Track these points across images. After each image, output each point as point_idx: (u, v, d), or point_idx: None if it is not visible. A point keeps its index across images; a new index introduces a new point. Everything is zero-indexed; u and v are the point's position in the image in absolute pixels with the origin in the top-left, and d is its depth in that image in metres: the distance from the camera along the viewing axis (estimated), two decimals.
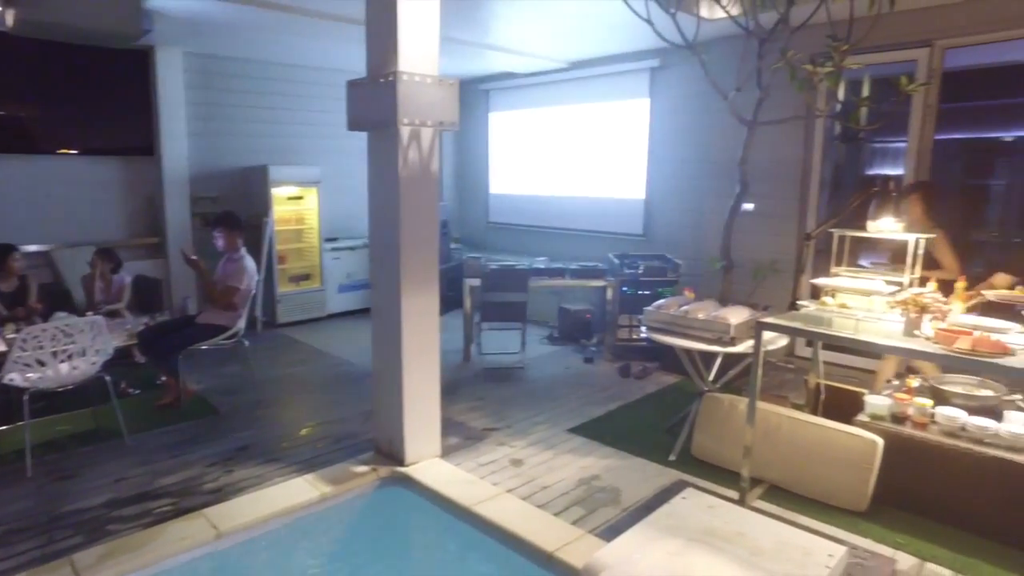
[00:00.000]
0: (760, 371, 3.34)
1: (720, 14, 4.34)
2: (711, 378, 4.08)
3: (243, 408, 4.63)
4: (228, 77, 6.85)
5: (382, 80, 3.22)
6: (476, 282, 5.69)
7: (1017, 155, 7.01)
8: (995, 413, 3.24)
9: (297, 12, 5.03)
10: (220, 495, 3.36)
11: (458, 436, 4.11)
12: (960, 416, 3.17)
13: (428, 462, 3.65)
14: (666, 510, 3.04)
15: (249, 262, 4.69)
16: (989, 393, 3.37)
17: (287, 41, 6.21)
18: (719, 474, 3.63)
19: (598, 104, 7.20)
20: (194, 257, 4.55)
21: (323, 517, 3.22)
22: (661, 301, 4.15)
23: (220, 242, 4.69)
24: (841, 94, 3.87)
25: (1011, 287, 3.33)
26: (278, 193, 6.85)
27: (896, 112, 4.89)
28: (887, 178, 3.59)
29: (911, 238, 3.21)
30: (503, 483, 3.50)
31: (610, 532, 2.99)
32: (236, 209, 5.27)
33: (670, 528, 2.86)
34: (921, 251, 3.25)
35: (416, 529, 3.42)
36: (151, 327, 4.73)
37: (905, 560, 2.86)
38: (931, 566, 2.82)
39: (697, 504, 3.11)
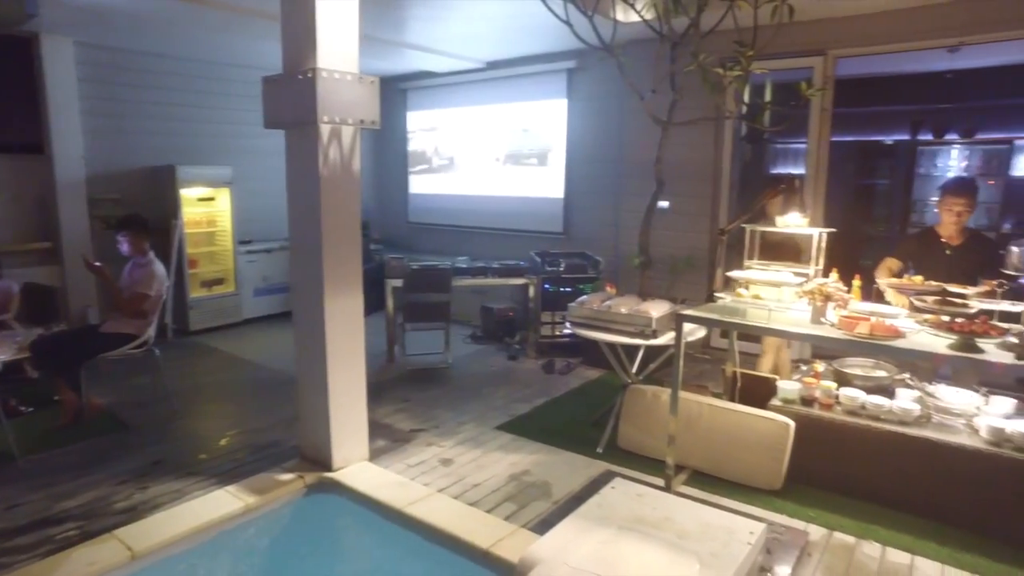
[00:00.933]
0: (681, 362, 3.49)
1: (634, 17, 4.49)
2: (634, 370, 4.20)
3: (156, 421, 4.37)
4: (130, 71, 6.43)
5: (300, 77, 3.12)
6: (398, 283, 5.63)
7: (897, 157, 7.64)
8: (888, 391, 3.52)
9: (206, 4, 4.80)
10: (134, 514, 3.16)
11: (385, 439, 4.05)
12: (859, 396, 3.43)
13: (356, 466, 3.58)
14: (596, 500, 3.11)
15: (158, 267, 4.44)
16: (883, 374, 3.66)
17: (194, 35, 5.92)
18: (645, 463, 3.75)
19: (516, 104, 7.28)
20: (97, 263, 4.25)
21: (249, 529, 3.10)
22: (584, 297, 4.24)
23: (125, 247, 4.40)
24: (747, 97, 4.07)
25: (900, 272, 3.62)
26: (187, 194, 6.51)
27: (797, 115, 5.21)
28: (792, 176, 3.80)
29: (815, 232, 3.44)
30: (434, 483, 3.48)
31: (543, 526, 3.03)
32: (142, 211, 4.96)
33: (601, 518, 2.94)
34: (824, 244, 3.49)
35: (348, 535, 3.35)
36: (45, 338, 4.38)
37: (816, 531, 3.06)
38: (838, 535, 3.03)
39: (625, 493, 3.20)
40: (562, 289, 6.06)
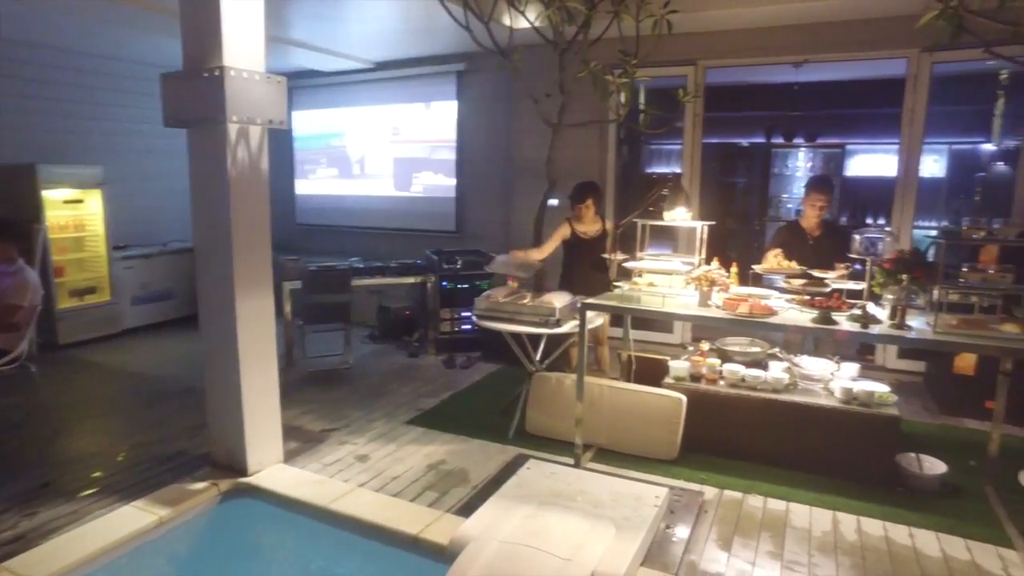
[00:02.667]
0: (586, 348, 3.76)
1: (525, 24, 4.73)
2: (538, 359, 4.43)
3: (36, 442, 4.04)
4: None
5: (206, 75, 3.05)
6: (295, 285, 5.53)
7: (753, 158, 8.50)
8: (762, 364, 4.00)
9: None
10: (24, 543, 2.91)
11: (297, 440, 4.02)
12: (740, 370, 3.87)
13: (272, 468, 3.54)
14: (514, 481, 3.32)
15: (30, 274, 4.11)
16: (757, 349, 4.15)
17: (60, 22, 5.44)
18: (554, 445, 4.00)
19: (406, 105, 7.33)
20: None
21: (165, 543, 2.99)
22: (488, 291, 4.42)
23: None
24: (640, 101, 4.44)
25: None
26: (52, 196, 5.95)
27: (673, 118, 5.70)
28: (678, 175, 4.19)
29: (699, 225, 3.84)
30: (353, 479, 3.52)
31: (466, 509, 3.17)
32: None
33: (521, 496, 3.14)
34: (706, 236, 3.91)
35: (273, 537, 3.31)
36: None
37: (709, 491, 3.44)
38: (728, 492, 3.43)
39: (540, 472, 3.44)
40: (459, 286, 6.21)
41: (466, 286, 6.21)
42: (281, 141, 8.21)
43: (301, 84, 7.84)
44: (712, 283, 3.47)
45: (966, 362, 4.44)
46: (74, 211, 6.24)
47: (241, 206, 3.25)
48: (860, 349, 5.47)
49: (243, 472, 3.44)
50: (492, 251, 6.47)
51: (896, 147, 5.41)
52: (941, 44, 3.91)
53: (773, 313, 3.23)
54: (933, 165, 7.19)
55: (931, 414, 4.58)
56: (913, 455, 3.55)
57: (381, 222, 7.71)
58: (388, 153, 7.63)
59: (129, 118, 6.97)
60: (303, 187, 8.27)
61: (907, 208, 5.30)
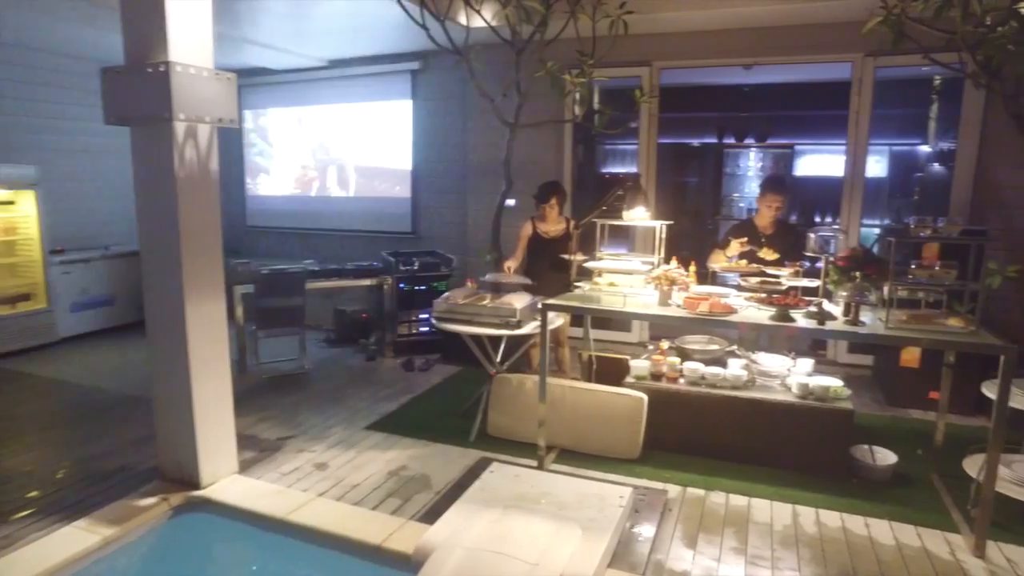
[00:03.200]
0: (548, 349, 3.75)
1: (481, 23, 4.69)
2: (499, 360, 4.40)
3: None
4: None
5: (150, 70, 2.91)
6: (247, 288, 5.36)
7: (705, 158, 8.67)
8: (721, 362, 4.06)
9: None
10: None
11: (252, 449, 3.88)
12: (699, 368, 3.92)
13: (227, 480, 3.40)
14: (478, 485, 3.28)
15: None
16: (716, 347, 4.21)
17: None
18: (516, 447, 3.97)
19: (360, 104, 7.20)
20: None
21: (110, 564, 2.83)
22: (447, 293, 4.36)
23: None
24: (587, 100, 4.46)
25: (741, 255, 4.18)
26: None
27: (629, 118, 5.73)
28: (637, 175, 4.21)
29: (657, 224, 3.87)
30: (312, 488, 3.42)
31: (430, 515, 3.11)
32: None
33: (485, 500, 3.10)
34: (664, 235, 3.94)
35: (229, 552, 3.18)
36: None
37: (673, 489, 3.46)
38: (691, 490, 3.46)
39: (504, 475, 3.40)
40: (417, 288, 6.13)
41: (423, 288, 6.14)
42: (231, 141, 7.95)
43: (251, 82, 7.60)
44: (672, 282, 3.50)
45: (912, 355, 4.61)
46: (5, 213, 5.89)
47: (190, 208, 3.11)
48: (812, 344, 5.63)
49: (195, 485, 3.29)
50: (449, 252, 6.42)
51: (842, 148, 5.58)
52: (884, 49, 4.04)
53: (733, 311, 3.27)
54: (876, 166, 7.45)
55: (880, 406, 4.74)
56: (866, 447, 3.66)
57: (335, 224, 7.55)
58: (342, 153, 7.48)
59: (63, 115, 6.61)
60: (254, 188, 8.03)
61: (855, 207, 5.47)
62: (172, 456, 3.37)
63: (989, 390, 3.16)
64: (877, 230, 6.84)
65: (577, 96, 4.56)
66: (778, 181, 4.73)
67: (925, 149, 7.26)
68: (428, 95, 6.88)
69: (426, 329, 6.15)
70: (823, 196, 7.73)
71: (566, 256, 4.48)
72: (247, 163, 8.02)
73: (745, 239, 4.14)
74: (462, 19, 5.19)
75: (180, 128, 3.01)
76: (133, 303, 6.72)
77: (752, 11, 5.12)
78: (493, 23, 4.75)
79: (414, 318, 6.14)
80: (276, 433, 4.17)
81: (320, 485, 3.46)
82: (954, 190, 5.25)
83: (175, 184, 3.02)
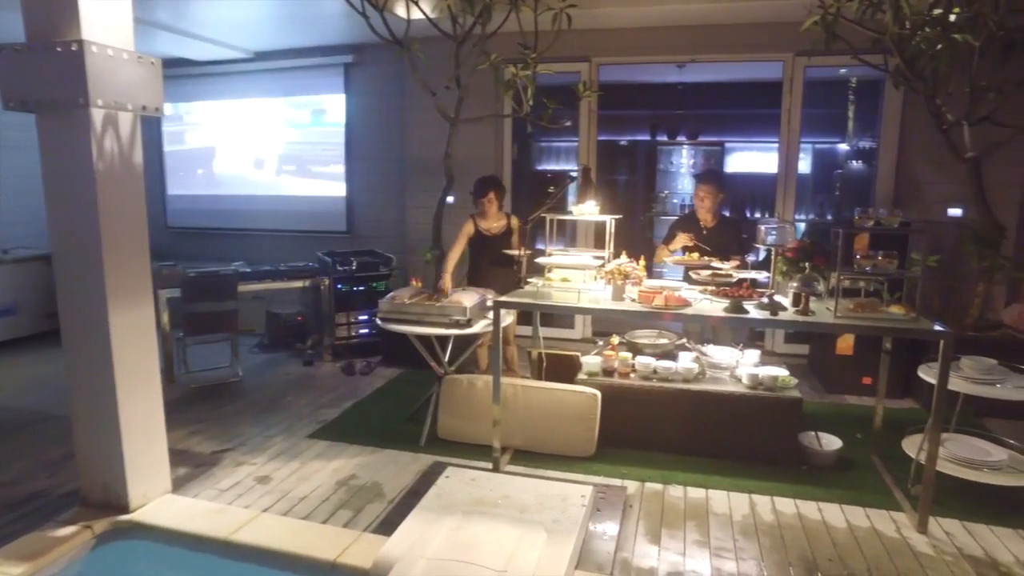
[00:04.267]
0: (500, 348, 3.65)
1: (420, 15, 4.54)
2: (447, 360, 4.27)
3: None
4: None
5: (59, 49, 2.62)
6: (173, 293, 5.01)
7: (639, 155, 8.79)
8: (672, 356, 4.08)
9: None
10: None
11: (186, 465, 3.60)
12: (651, 362, 3.92)
13: (159, 501, 3.13)
14: (434, 492, 3.15)
15: None
16: (666, 341, 4.23)
17: None
18: (469, 450, 3.85)
19: (290, 99, 6.89)
20: None
21: None
22: (393, 293, 4.20)
23: None
24: (533, 94, 4.39)
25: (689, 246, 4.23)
26: None
27: (571, 113, 5.72)
28: (587, 167, 4.17)
29: (608, 219, 3.84)
30: (255, 504, 3.20)
31: (386, 526, 2.97)
32: None
33: (443, 507, 2.98)
34: (614, 230, 3.92)
35: None
36: None
37: (631, 485, 3.44)
38: (649, 485, 3.45)
39: (460, 480, 3.28)
40: (355, 288, 5.92)
41: (362, 288, 5.94)
42: (148, 136, 7.44)
43: (171, 74, 7.08)
44: (626, 276, 3.48)
45: (846, 343, 4.79)
46: None
47: (112, 205, 2.83)
48: (750, 335, 5.77)
49: (123, 508, 3.00)
50: (388, 251, 6.22)
51: (769, 145, 5.77)
52: (814, 50, 4.17)
53: (688, 304, 3.28)
54: (800, 163, 7.75)
55: (818, 393, 4.90)
56: (813, 434, 3.75)
57: (263, 223, 7.20)
58: (271, 150, 7.13)
59: None
60: (175, 186, 7.55)
61: (788, 201, 5.65)
62: (95, 478, 3.06)
63: (926, 374, 3.29)
64: (803, 224, 7.13)
65: (524, 89, 4.48)
66: (708, 173, 4.84)
67: (844, 147, 7.60)
68: (362, 89, 6.65)
69: (366, 331, 5.94)
70: (753, 192, 7.99)
71: (510, 252, 4.41)
72: (166, 160, 7.53)
73: (691, 234, 4.18)
74: (400, 11, 5.03)
75: (98, 116, 2.73)
76: (39, 312, 6.18)
77: (687, 8, 5.20)
78: (432, 15, 4.61)
79: (353, 320, 5.92)
80: (211, 446, 3.90)
81: (264, 500, 3.24)
82: (878, 185, 5.50)
83: (94, 179, 2.74)
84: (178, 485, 3.32)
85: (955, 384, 3.20)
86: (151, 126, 7.32)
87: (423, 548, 2.62)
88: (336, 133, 6.78)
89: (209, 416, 4.40)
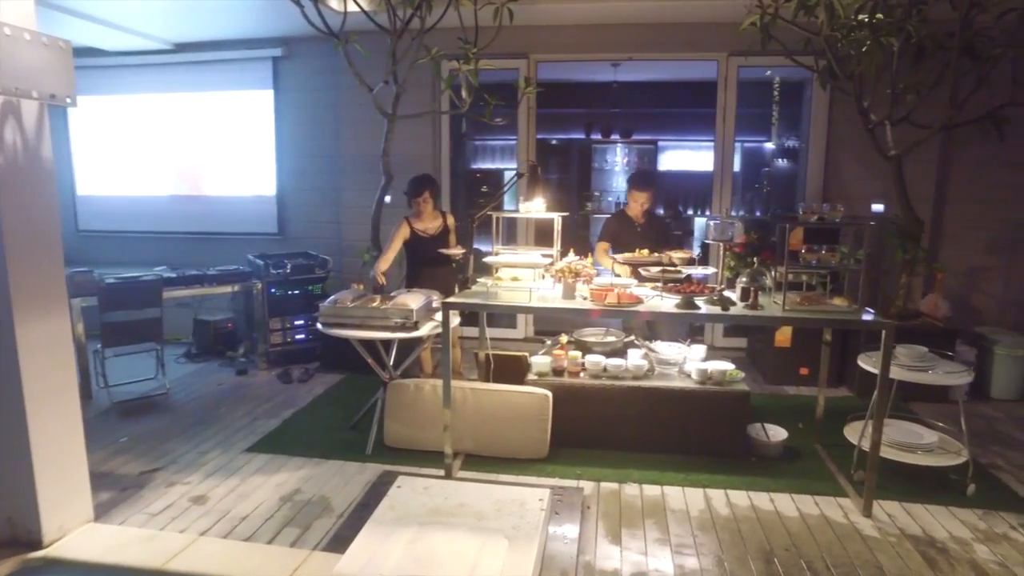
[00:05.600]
0: (450, 350, 3.54)
1: (354, 8, 4.36)
2: (391, 365, 4.11)
3: None
4: None
5: None
6: (87, 301, 4.63)
7: (573, 153, 8.83)
8: (621, 353, 4.07)
9: None
10: None
11: (109, 490, 3.30)
12: (601, 360, 3.89)
13: (79, 532, 2.84)
14: (386, 503, 3.01)
15: None
16: (614, 339, 4.22)
17: None
18: (419, 457, 3.72)
19: (214, 94, 6.51)
20: None
21: None
22: (334, 296, 4.01)
23: None
24: (475, 89, 4.31)
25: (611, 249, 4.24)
26: None
27: (512, 111, 5.64)
28: (534, 164, 4.11)
29: (556, 216, 3.79)
30: (192, 527, 2.96)
31: (337, 543, 2.81)
32: None
33: (398, 519, 2.85)
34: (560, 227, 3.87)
35: None
36: None
37: (587, 486, 3.39)
38: (604, 484, 3.41)
39: (413, 489, 3.16)
40: (290, 292, 5.66)
41: (297, 292, 5.68)
42: (56, 132, 6.87)
43: (78, 64, 6.58)
44: (576, 275, 3.43)
45: (784, 336, 4.92)
46: None
47: (16, 204, 2.55)
48: (689, 330, 5.86)
49: (35, 544, 2.70)
50: (323, 253, 5.98)
51: (701, 143, 5.88)
52: (751, 49, 4.27)
53: (640, 301, 3.26)
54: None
55: (759, 385, 5.02)
56: (759, 425, 3.82)
57: (187, 225, 6.78)
58: (194, 148, 6.72)
59: None
60: (86, 187, 7.01)
61: (725, 198, 5.77)
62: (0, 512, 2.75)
63: (865, 363, 3.40)
64: (736, 223, 7.31)
65: (464, 84, 4.38)
66: (642, 177, 4.91)
67: (770, 146, 7.86)
68: (292, 85, 6.36)
69: (302, 336, 5.68)
70: (686, 190, 8.16)
71: (447, 251, 4.31)
72: (75, 157, 6.98)
73: (609, 245, 4.25)
74: (334, 3, 4.83)
75: None
76: None
77: (625, 7, 5.22)
78: (368, 8, 4.44)
79: (288, 325, 5.65)
80: (138, 467, 3.60)
81: (201, 522, 3.01)
82: (808, 183, 5.70)
83: None
84: (101, 513, 3.04)
85: (892, 372, 3.32)
86: (57, 122, 6.77)
87: (380, 565, 2.48)
88: (266, 130, 6.46)
89: (134, 434, 4.07)
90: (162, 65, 6.47)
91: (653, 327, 4.64)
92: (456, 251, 4.33)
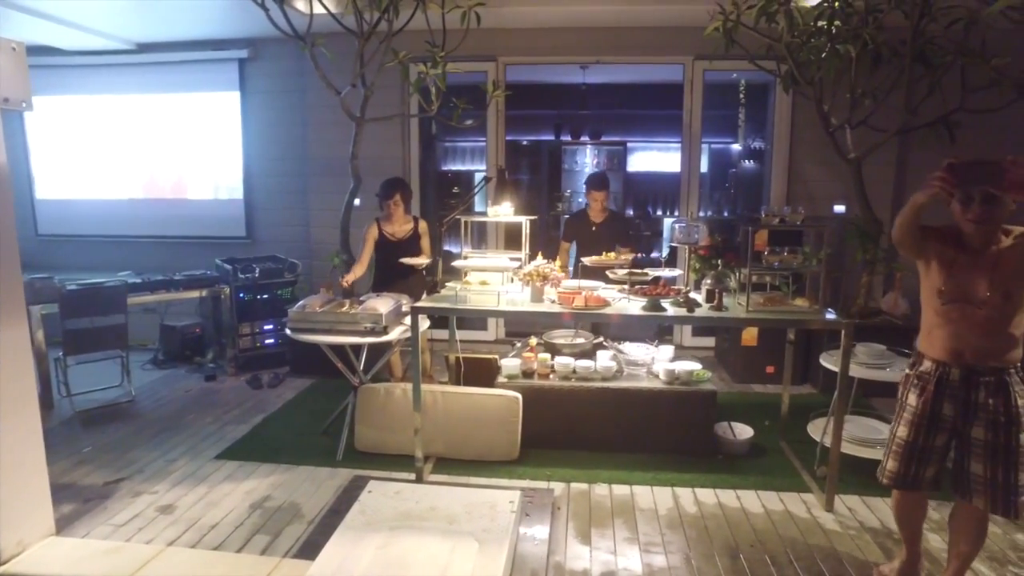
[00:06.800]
0: (420, 355, 3.55)
1: (320, 10, 4.35)
2: (362, 369, 4.10)
3: None
4: None
5: None
6: (48, 308, 4.53)
7: (537, 155, 8.88)
8: (590, 355, 4.11)
9: None
10: None
11: (73, 501, 3.24)
12: (570, 362, 3.93)
13: (39, 547, 2.78)
14: (357, 508, 3.02)
15: None
16: (583, 340, 4.26)
17: None
18: (389, 461, 3.72)
19: (177, 95, 6.41)
20: None
21: None
22: (303, 301, 3.99)
23: None
24: (442, 92, 4.33)
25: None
26: None
27: (480, 114, 5.67)
28: (502, 168, 4.13)
29: (524, 220, 3.82)
30: (159, 537, 2.93)
31: (308, 549, 2.80)
32: None
33: (368, 524, 2.86)
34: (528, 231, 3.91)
35: None
36: None
37: (557, 487, 3.43)
38: (575, 485, 3.45)
39: (384, 493, 3.17)
40: (259, 297, 5.60)
41: (266, 297, 5.63)
42: (12, 134, 6.69)
43: (34, 63, 6.42)
44: (545, 278, 3.47)
45: (750, 335, 5.02)
46: None
47: None
48: (658, 331, 5.96)
49: None
50: (292, 257, 5.93)
51: (669, 145, 5.97)
52: (712, 54, 4.36)
53: (607, 304, 3.31)
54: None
55: (727, 384, 5.12)
56: (726, 424, 3.90)
57: (151, 229, 6.66)
58: (158, 150, 6.60)
59: None
60: (45, 190, 6.84)
61: (692, 200, 5.87)
62: None
63: (827, 361, 3.50)
64: (701, 226, 7.42)
65: (432, 88, 4.39)
66: (597, 179, 5.00)
67: (737, 147, 8.01)
68: (259, 87, 6.30)
69: (271, 341, 5.63)
70: (655, 190, 8.27)
71: (409, 261, 4.33)
72: (33, 160, 6.80)
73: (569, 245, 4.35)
74: (300, 5, 4.80)
75: None
76: None
77: (591, 10, 5.28)
78: (335, 10, 4.42)
79: (257, 330, 5.60)
80: (102, 477, 3.53)
81: (169, 532, 2.97)
82: (773, 184, 5.82)
83: None
84: (63, 525, 2.98)
85: (852, 370, 3.42)
86: (13, 124, 6.59)
87: (351, 570, 2.49)
88: (232, 133, 6.38)
89: (98, 443, 4.00)
90: (124, 65, 6.34)
91: (597, 327, 4.66)
92: (419, 260, 4.35)
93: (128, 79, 6.41)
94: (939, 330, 2.26)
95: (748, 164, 7.78)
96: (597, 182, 4.93)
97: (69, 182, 6.80)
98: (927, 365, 2.33)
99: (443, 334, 4.87)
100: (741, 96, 7.40)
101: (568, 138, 8.58)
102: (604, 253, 4.07)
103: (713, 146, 8.26)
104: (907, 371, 2.43)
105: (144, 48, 6.25)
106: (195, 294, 5.35)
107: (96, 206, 6.75)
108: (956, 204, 2.18)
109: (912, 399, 2.34)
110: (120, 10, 5.29)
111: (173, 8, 5.26)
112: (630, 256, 4.02)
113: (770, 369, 5.00)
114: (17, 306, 2.72)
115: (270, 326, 5.61)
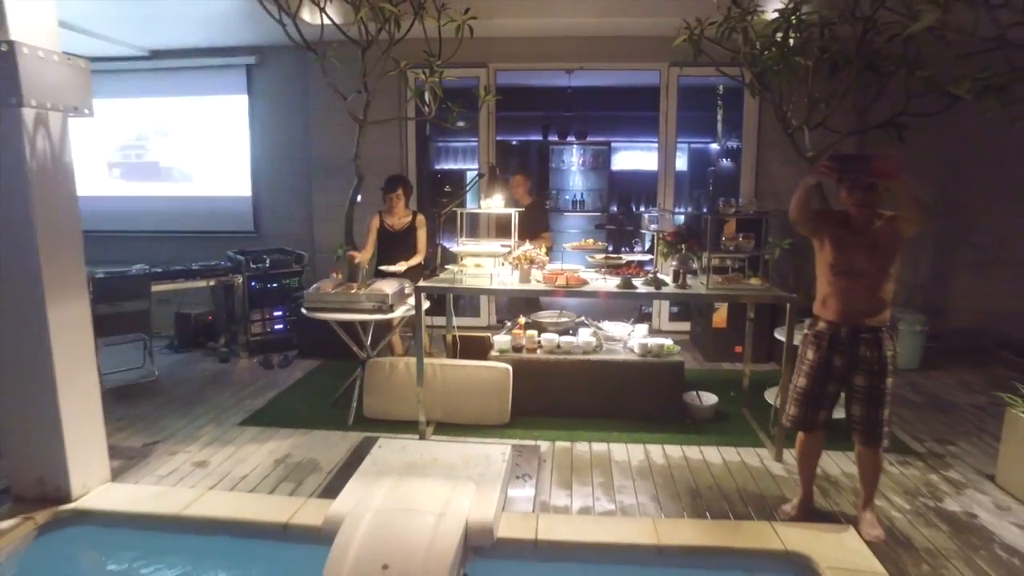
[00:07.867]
0: (424, 331, 4.01)
1: (325, 20, 4.78)
2: (369, 344, 4.55)
3: None
4: None
5: None
6: None
7: (526, 154, 9.36)
8: (573, 331, 4.60)
9: None
10: None
11: (119, 458, 3.67)
12: (555, 338, 4.41)
13: (101, 489, 3.23)
14: (369, 460, 3.48)
15: None
16: (566, 319, 4.75)
17: None
18: (395, 426, 4.18)
19: (190, 99, 6.83)
20: None
21: None
22: (316, 284, 4.44)
23: None
24: (439, 98, 4.77)
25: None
26: None
27: (473, 116, 6.13)
28: (493, 165, 4.60)
29: (513, 212, 4.30)
30: (200, 484, 3.38)
31: (329, 492, 3.26)
32: None
33: (380, 472, 3.32)
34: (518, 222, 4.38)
35: (119, 560, 3.00)
36: None
37: (544, 444, 3.91)
38: (559, 443, 3.93)
39: (392, 449, 3.63)
40: (269, 285, 6.04)
41: (275, 285, 6.06)
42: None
43: None
44: (531, 261, 3.94)
45: (721, 317, 5.52)
46: None
47: (47, 204, 2.93)
48: (639, 315, 6.44)
49: (64, 499, 3.09)
50: (299, 249, 6.36)
51: (651, 145, 6.46)
52: (686, 61, 4.83)
53: (586, 283, 3.79)
54: (677, 161, 8.59)
55: (700, 363, 5.62)
56: (694, 393, 4.39)
57: (165, 225, 7.08)
58: (170, 151, 7.03)
59: None
60: None
61: (668, 194, 6.36)
62: (30, 472, 3.11)
63: (780, 334, 3.99)
64: (682, 217, 7.94)
65: (427, 95, 4.84)
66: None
67: (715, 147, 8.51)
68: (266, 91, 6.73)
69: (280, 327, 6.07)
70: (637, 187, 8.77)
71: (385, 268, 4.75)
72: None
73: None
74: (307, 17, 5.23)
75: (29, 116, 2.83)
76: None
77: (575, 22, 5.76)
78: (339, 22, 4.86)
79: (268, 316, 6.03)
80: (140, 440, 3.98)
81: (206, 481, 3.43)
82: (743, 181, 6.32)
83: (26, 178, 2.83)
84: (115, 475, 3.43)
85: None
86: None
87: (368, 503, 2.94)
88: (240, 134, 6.81)
89: (130, 414, 4.44)
90: (139, 71, 6.76)
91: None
92: (398, 268, 4.76)
93: (142, 84, 6.83)
94: (831, 297, 2.78)
95: (726, 162, 8.27)
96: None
97: (85, 180, 7.19)
98: (822, 326, 2.84)
99: (442, 320, 5.33)
100: (719, 99, 7.89)
101: (555, 138, 9.07)
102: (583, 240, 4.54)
103: (693, 146, 8.77)
104: (806, 331, 2.93)
105: (157, 55, 6.67)
106: (211, 283, 5.78)
107: (110, 203, 7.15)
108: (843, 192, 2.69)
109: (810, 354, 2.86)
110: (140, 19, 5.70)
111: (185, 19, 5.69)
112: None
113: (738, 348, 5.48)
114: (80, 287, 3.17)
115: (279, 312, 6.05)
